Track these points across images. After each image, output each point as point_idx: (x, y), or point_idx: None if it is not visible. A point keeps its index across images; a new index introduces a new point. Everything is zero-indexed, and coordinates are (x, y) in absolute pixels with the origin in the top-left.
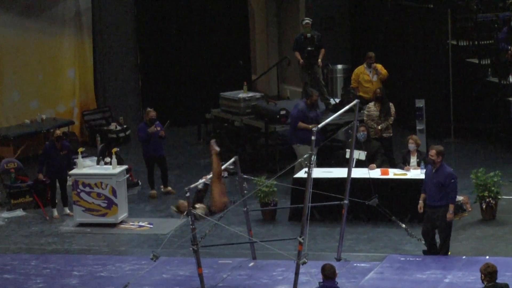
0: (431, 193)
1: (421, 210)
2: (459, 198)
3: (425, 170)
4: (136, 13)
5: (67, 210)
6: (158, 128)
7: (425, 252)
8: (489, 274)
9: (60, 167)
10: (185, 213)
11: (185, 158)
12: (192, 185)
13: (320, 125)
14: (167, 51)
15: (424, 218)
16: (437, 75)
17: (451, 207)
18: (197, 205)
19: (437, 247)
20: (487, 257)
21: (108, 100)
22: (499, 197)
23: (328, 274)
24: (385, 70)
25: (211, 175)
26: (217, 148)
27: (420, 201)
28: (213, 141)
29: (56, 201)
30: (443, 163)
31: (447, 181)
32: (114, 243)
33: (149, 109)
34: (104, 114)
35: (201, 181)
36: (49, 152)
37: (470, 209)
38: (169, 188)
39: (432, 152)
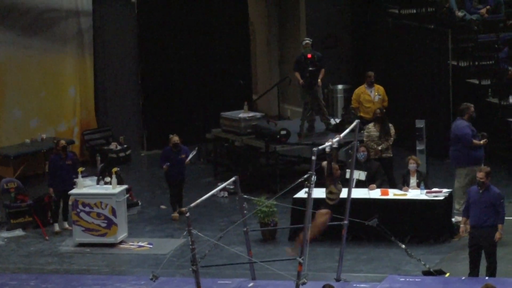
0: (478, 213)
1: (464, 234)
2: (458, 218)
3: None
4: (138, 32)
5: (66, 225)
6: (184, 156)
7: (424, 273)
8: None
9: (66, 178)
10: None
11: (186, 178)
12: (321, 146)
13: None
14: (168, 71)
15: (470, 241)
16: (437, 95)
17: (500, 227)
18: (332, 189)
19: (478, 270)
20: (487, 277)
21: (108, 119)
22: None
23: None
24: (387, 98)
25: (336, 139)
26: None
27: (462, 225)
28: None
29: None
30: (490, 183)
31: (497, 201)
32: (113, 263)
33: (171, 135)
34: (104, 133)
35: (327, 144)
36: (55, 163)
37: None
38: (183, 208)
39: (481, 174)
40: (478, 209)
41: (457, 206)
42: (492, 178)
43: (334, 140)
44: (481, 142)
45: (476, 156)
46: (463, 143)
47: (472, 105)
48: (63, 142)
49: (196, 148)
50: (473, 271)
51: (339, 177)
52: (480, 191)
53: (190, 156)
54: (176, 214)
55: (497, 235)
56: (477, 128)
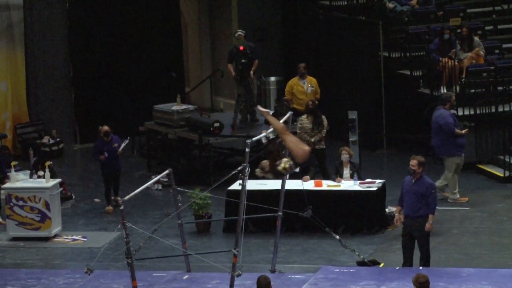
0: (410, 203)
1: (398, 223)
2: (392, 209)
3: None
4: (69, 25)
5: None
6: (116, 144)
7: (359, 263)
8: (421, 284)
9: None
10: (283, 167)
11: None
12: (255, 138)
13: None
14: (100, 64)
15: (403, 230)
16: (369, 86)
17: (431, 217)
18: (279, 162)
19: (412, 261)
20: (420, 267)
21: (41, 113)
22: None
23: (263, 286)
24: (319, 90)
25: (270, 130)
26: (266, 110)
27: (397, 214)
28: (258, 106)
29: None
30: (423, 173)
31: (428, 191)
32: (48, 257)
33: (100, 127)
34: (37, 127)
35: (262, 135)
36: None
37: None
38: (118, 198)
39: (414, 162)
40: (411, 199)
41: (452, 196)
42: (424, 169)
43: (269, 131)
44: (463, 131)
45: (461, 143)
46: (446, 132)
47: (453, 94)
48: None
49: (128, 138)
50: (407, 261)
51: (284, 128)
52: (413, 181)
53: (123, 145)
54: (110, 207)
55: (427, 225)
56: (409, 118)
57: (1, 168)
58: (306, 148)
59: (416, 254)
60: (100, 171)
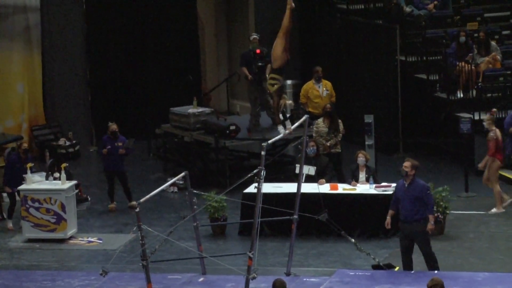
0: (407, 208)
1: (388, 227)
2: None
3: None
4: (86, 28)
5: (10, 224)
6: (120, 143)
7: (374, 267)
8: None
9: (21, 179)
10: None
11: (135, 173)
12: (271, 141)
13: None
14: (117, 66)
15: (400, 235)
16: (386, 90)
17: (431, 218)
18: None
19: (412, 264)
20: (436, 271)
21: (57, 115)
22: (448, 212)
23: None
24: (334, 93)
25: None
26: (293, 4)
27: (388, 217)
28: None
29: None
30: (416, 176)
31: (423, 193)
32: (63, 259)
33: (110, 123)
34: (53, 129)
35: (278, 136)
36: (14, 164)
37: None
38: (134, 202)
39: (407, 164)
40: (408, 203)
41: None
42: (441, 173)
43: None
44: None
45: None
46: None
47: None
48: (25, 145)
49: (133, 139)
50: (407, 266)
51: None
52: (406, 185)
53: (125, 144)
54: (113, 205)
55: (429, 226)
56: (425, 122)
57: (10, 173)
58: (287, 56)
59: (420, 259)
60: (103, 170)
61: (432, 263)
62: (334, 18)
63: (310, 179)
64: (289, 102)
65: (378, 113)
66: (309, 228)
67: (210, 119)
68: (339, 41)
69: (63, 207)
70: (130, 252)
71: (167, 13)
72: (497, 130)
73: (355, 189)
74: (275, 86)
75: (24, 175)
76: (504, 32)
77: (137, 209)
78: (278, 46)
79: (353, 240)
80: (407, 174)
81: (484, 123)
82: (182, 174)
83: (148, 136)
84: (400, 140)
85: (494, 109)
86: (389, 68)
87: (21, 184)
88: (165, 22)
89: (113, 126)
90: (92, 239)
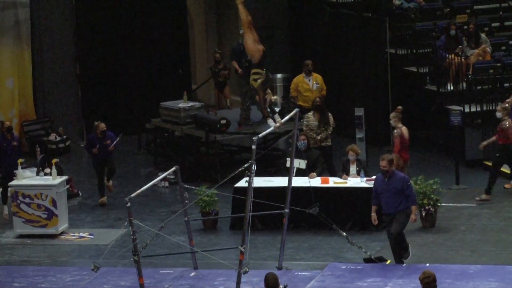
0: (389, 201)
1: (375, 222)
2: None
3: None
4: (76, 23)
5: (5, 210)
6: (108, 141)
7: (366, 260)
8: (427, 284)
9: (12, 160)
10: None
11: (125, 168)
12: (261, 135)
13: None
14: (106, 61)
15: (386, 227)
16: (376, 83)
17: (414, 209)
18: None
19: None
20: (427, 264)
21: (47, 110)
22: (439, 204)
23: (271, 284)
24: (325, 86)
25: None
26: None
27: (373, 214)
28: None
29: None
30: (394, 169)
31: (404, 185)
32: (55, 254)
33: (96, 122)
34: (43, 124)
35: (269, 130)
36: (1, 144)
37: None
38: (110, 182)
39: (384, 162)
40: (389, 197)
41: None
42: (432, 166)
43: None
44: None
45: None
46: None
47: None
48: (8, 123)
49: (120, 135)
50: (397, 256)
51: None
52: (386, 179)
53: (114, 142)
54: (103, 199)
55: (413, 216)
56: (416, 115)
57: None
58: (261, 47)
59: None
60: (92, 165)
61: (398, 251)
62: (324, 11)
63: (301, 172)
64: (275, 97)
65: (368, 106)
66: (301, 221)
67: (200, 113)
68: (328, 34)
69: (54, 203)
70: (122, 247)
71: (156, 7)
72: (403, 128)
73: (346, 182)
74: (259, 80)
75: (14, 171)
76: (494, 24)
77: (128, 204)
78: (249, 41)
79: (344, 233)
80: (387, 171)
81: (391, 121)
82: (173, 168)
83: (139, 131)
84: (390, 133)
85: (400, 107)
86: (379, 61)
87: (12, 164)
88: (154, 17)
89: (102, 125)
90: (83, 234)
